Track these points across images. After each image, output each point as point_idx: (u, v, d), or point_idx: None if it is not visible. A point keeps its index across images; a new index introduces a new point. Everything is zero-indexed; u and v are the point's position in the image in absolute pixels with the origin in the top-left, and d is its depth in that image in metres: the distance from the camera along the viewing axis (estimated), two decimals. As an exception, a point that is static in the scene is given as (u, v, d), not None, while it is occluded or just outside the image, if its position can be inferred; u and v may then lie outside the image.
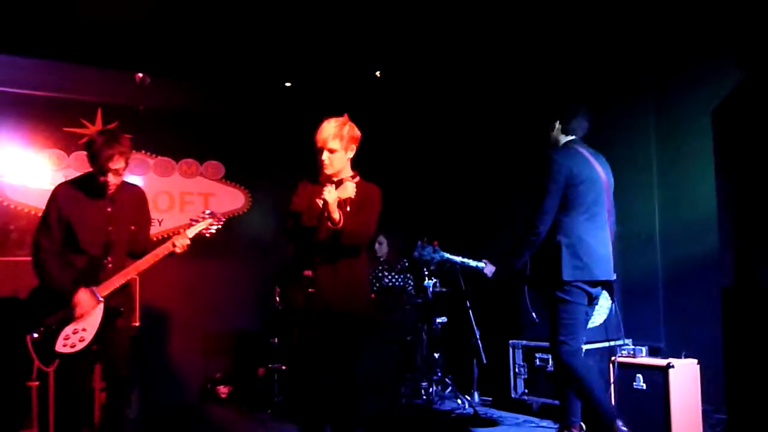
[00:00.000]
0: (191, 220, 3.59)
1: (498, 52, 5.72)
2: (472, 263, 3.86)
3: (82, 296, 3.32)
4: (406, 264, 6.11)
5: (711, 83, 4.09)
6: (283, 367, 5.36)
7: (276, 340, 5.51)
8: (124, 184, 3.59)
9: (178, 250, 3.45)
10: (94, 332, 3.32)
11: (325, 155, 3.27)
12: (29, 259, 3.46)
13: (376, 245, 6.02)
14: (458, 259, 3.96)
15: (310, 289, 3.17)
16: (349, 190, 3.26)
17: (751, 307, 2.12)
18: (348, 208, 3.25)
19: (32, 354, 3.27)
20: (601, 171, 3.63)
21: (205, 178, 6.34)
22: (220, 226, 3.63)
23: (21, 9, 4.77)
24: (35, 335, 3.29)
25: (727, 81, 3.83)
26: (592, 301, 3.61)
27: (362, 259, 3.40)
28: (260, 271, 6.04)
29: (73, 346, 3.28)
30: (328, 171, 3.30)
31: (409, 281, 6.06)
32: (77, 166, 5.72)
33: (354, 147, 3.36)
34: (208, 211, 3.63)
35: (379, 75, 6.22)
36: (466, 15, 5.13)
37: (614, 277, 3.62)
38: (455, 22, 5.23)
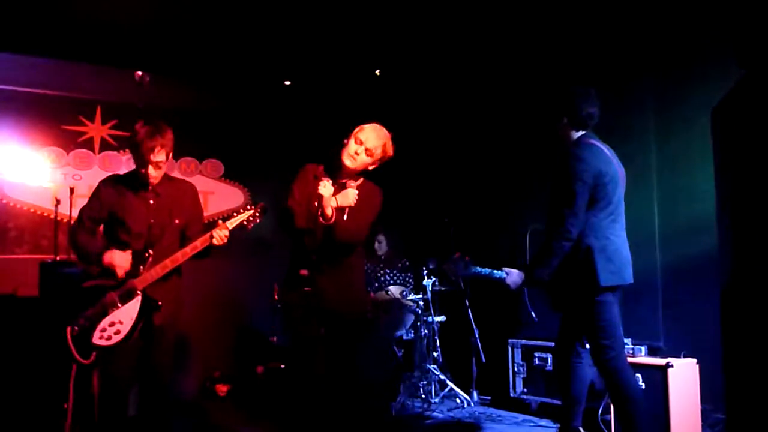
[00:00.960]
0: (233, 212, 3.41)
1: (497, 50, 5.71)
2: (496, 273, 3.60)
3: (113, 254, 3.23)
4: (407, 263, 6.10)
5: (710, 82, 4.07)
6: (282, 366, 5.35)
7: (275, 338, 5.50)
8: (172, 178, 3.54)
9: (215, 242, 3.26)
10: (130, 325, 3.22)
11: (362, 151, 3.24)
12: (28, 257, 3.44)
13: (376, 244, 6.02)
14: (486, 271, 3.70)
15: (306, 288, 3.16)
16: (350, 197, 3.23)
17: (750, 307, 2.11)
18: (345, 216, 3.23)
19: (70, 347, 3.21)
20: (618, 167, 3.42)
21: (205, 176, 6.33)
22: (263, 218, 3.41)
23: (20, 7, 4.76)
24: (75, 328, 3.22)
25: (726, 80, 3.81)
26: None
27: (358, 257, 3.39)
28: (259, 269, 6.02)
29: (108, 339, 3.19)
30: (350, 164, 3.26)
31: (409, 280, 6.05)
32: (76, 164, 5.73)
33: (378, 165, 3.34)
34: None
35: (378, 73, 6.22)
36: (466, 14, 5.12)
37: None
38: (455, 20, 5.22)
